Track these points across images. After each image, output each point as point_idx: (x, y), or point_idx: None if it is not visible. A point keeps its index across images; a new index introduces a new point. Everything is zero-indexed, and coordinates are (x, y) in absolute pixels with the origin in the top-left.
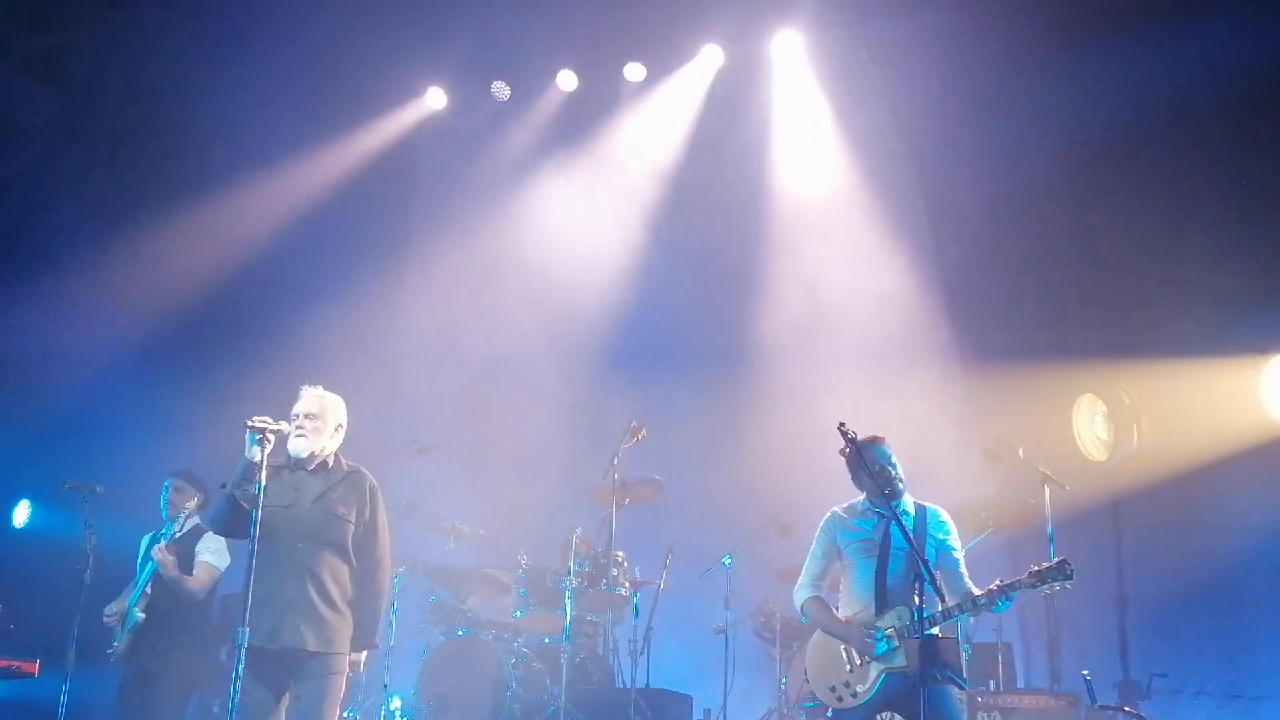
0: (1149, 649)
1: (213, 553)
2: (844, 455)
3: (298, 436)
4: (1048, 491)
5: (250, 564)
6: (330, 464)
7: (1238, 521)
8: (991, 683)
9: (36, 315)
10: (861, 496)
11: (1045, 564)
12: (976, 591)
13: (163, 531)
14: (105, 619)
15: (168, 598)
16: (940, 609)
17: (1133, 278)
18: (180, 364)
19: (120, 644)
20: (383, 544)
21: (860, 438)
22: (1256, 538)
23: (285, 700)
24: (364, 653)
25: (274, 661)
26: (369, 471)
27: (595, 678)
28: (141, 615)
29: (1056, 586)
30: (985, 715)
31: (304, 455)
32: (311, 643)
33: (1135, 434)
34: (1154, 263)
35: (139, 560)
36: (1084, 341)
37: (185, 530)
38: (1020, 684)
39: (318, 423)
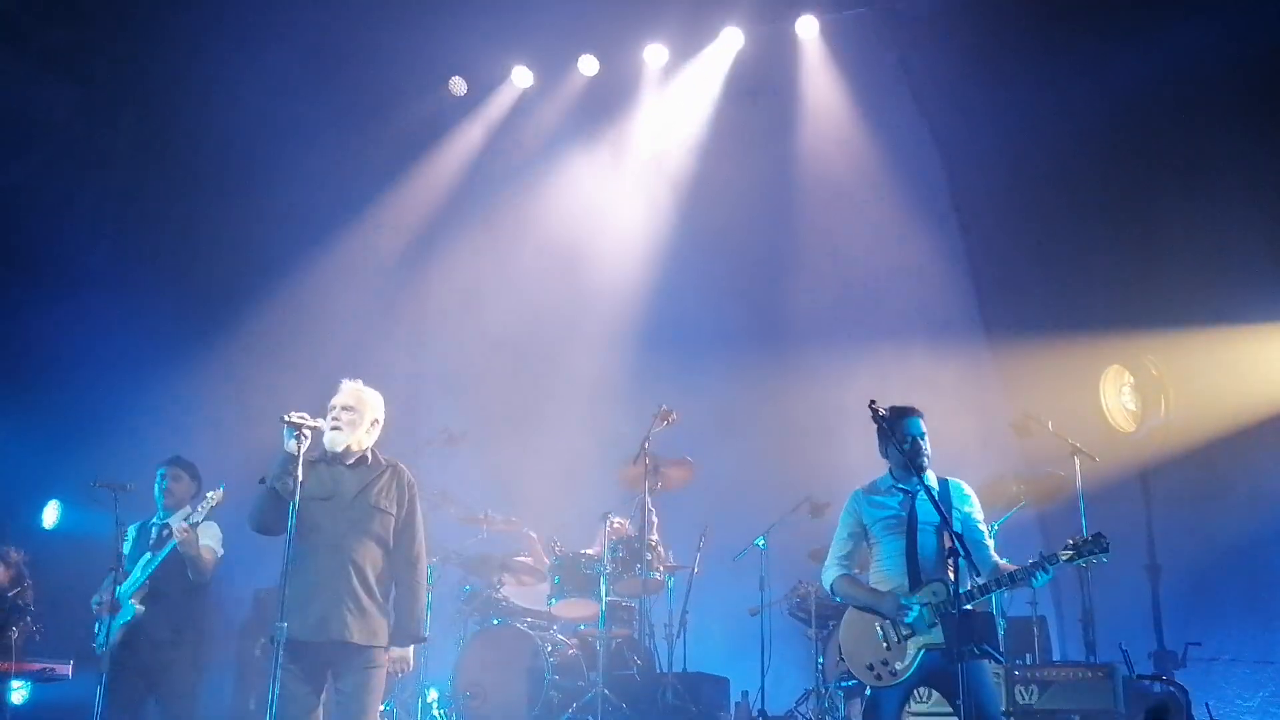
0: (1183, 618)
1: (214, 539)
2: (876, 422)
3: (333, 429)
4: (1077, 463)
5: (286, 558)
6: (369, 459)
7: (1268, 489)
8: (1028, 655)
9: (60, 314)
10: (884, 473)
11: (1081, 537)
12: (1003, 563)
13: (153, 521)
14: (96, 609)
15: (169, 588)
16: (977, 584)
17: (1158, 248)
18: (207, 359)
19: (114, 637)
20: (420, 538)
21: (893, 407)
22: None
23: (324, 695)
24: (412, 647)
25: (316, 655)
26: (405, 466)
27: (632, 662)
28: (140, 607)
29: (1093, 560)
30: (1022, 688)
31: (338, 449)
32: (357, 635)
33: (1163, 404)
34: (1179, 233)
35: (128, 550)
36: (1110, 313)
37: (176, 522)
38: (1056, 656)
39: (354, 415)
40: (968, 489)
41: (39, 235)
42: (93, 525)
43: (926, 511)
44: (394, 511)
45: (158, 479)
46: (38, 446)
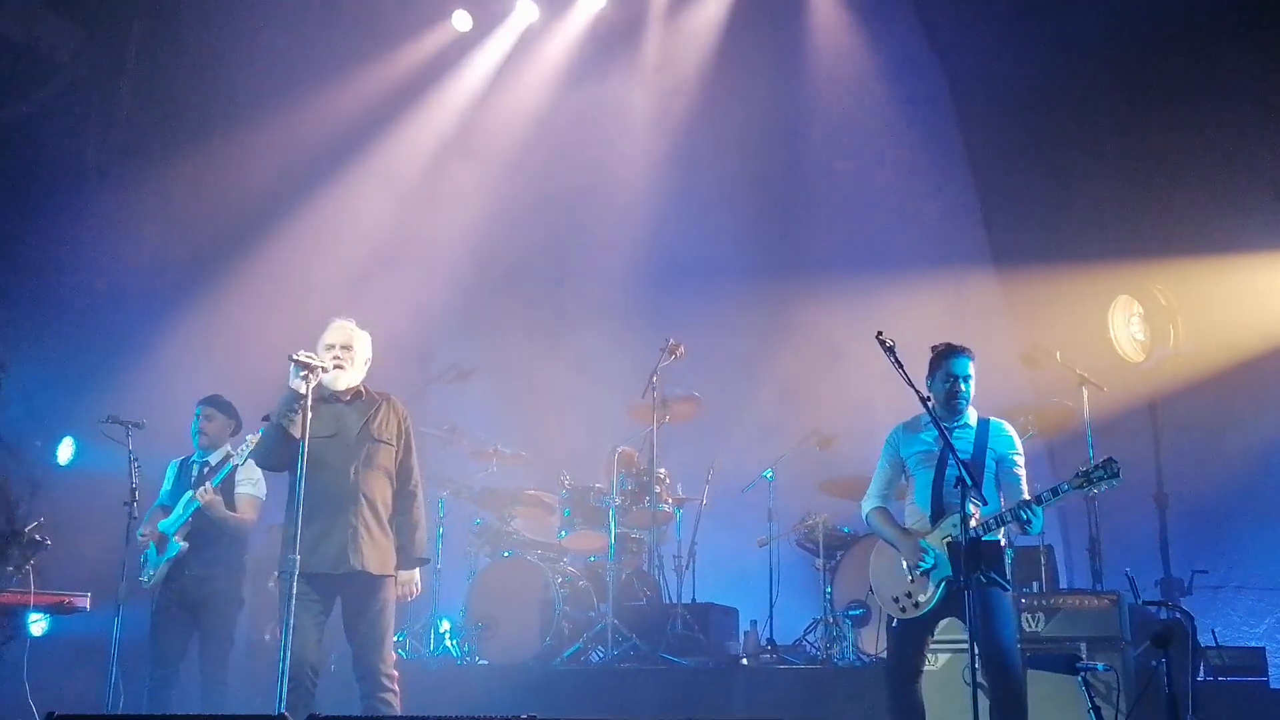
0: (1189, 547)
1: (253, 483)
2: (886, 354)
3: (336, 368)
4: (1085, 394)
5: (296, 494)
6: (364, 394)
7: (1276, 419)
8: (1035, 584)
9: (70, 253)
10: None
11: (1091, 464)
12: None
13: (193, 459)
14: (140, 539)
15: (210, 527)
16: (986, 518)
17: (1167, 177)
18: (216, 294)
19: (157, 571)
20: (417, 466)
21: (943, 346)
22: None
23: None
24: (418, 570)
25: (333, 586)
26: (397, 399)
27: (642, 594)
28: (184, 544)
29: (1104, 486)
30: (1029, 616)
31: (340, 387)
32: (375, 566)
33: (1172, 334)
34: (1188, 161)
35: (168, 486)
36: (1119, 243)
37: (216, 461)
38: (1063, 584)
39: (352, 354)
40: (1009, 429)
41: (45, 174)
42: (107, 460)
43: (959, 448)
44: (395, 443)
45: (195, 418)
46: (51, 382)
